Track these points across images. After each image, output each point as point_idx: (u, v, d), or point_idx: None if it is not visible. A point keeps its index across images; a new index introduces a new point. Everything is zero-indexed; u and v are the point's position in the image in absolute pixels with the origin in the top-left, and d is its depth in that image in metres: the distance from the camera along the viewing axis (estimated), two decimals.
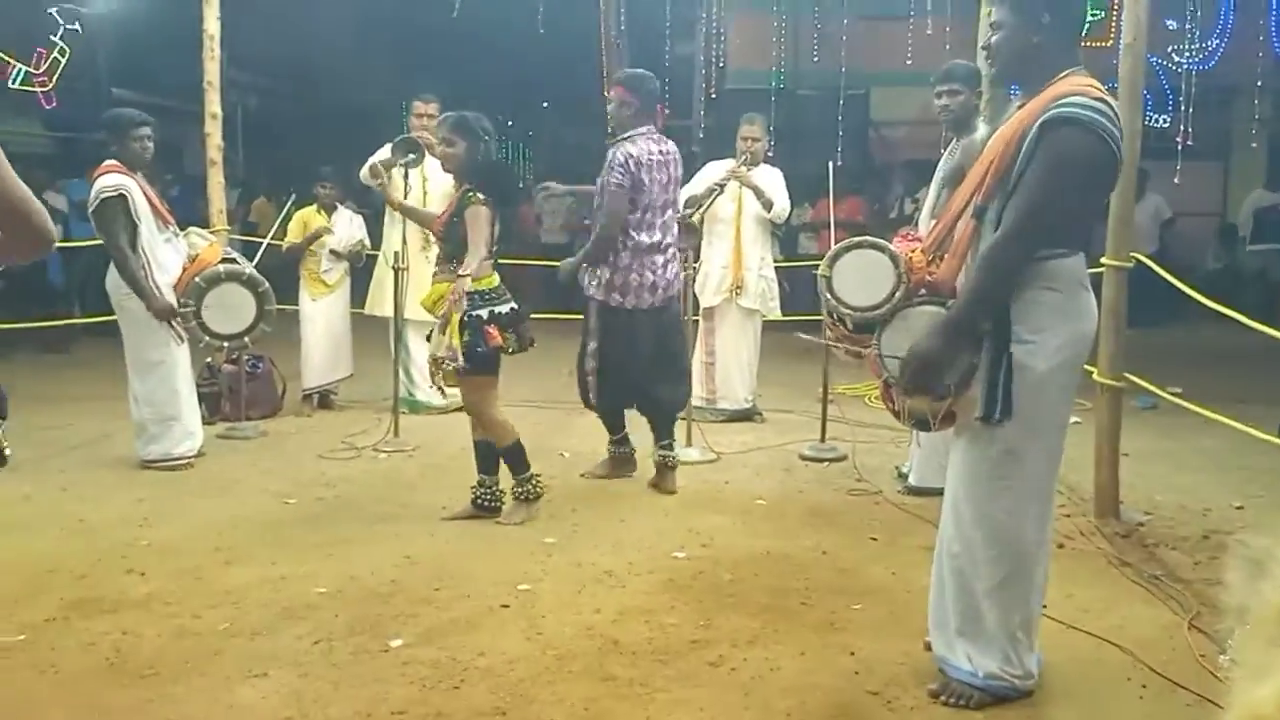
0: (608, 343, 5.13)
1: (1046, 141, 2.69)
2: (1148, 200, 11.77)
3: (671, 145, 5.17)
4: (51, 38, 10.21)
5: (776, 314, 6.94)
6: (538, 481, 4.68)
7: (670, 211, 5.18)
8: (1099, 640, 3.34)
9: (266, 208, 12.80)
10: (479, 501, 4.66)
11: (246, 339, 5.70)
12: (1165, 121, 11.88)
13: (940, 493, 3.11)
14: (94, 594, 3.72)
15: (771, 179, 6.71)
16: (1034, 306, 2.77)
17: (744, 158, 6.62)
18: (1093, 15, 10.99)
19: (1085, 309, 2.86)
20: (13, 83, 10.62)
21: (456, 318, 4.36)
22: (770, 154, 7.10)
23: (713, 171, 6.75)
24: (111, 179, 5.32)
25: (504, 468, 4.67)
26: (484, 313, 4.42)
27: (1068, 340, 2.80)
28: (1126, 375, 4.63)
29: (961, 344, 2.80)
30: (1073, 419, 3.04)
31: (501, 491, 4.69)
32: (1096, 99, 2.70)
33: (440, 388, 4.67)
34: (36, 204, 2.10)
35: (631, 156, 4.96)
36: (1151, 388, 5.06)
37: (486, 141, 4.53)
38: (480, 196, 4.44)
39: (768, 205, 6.62)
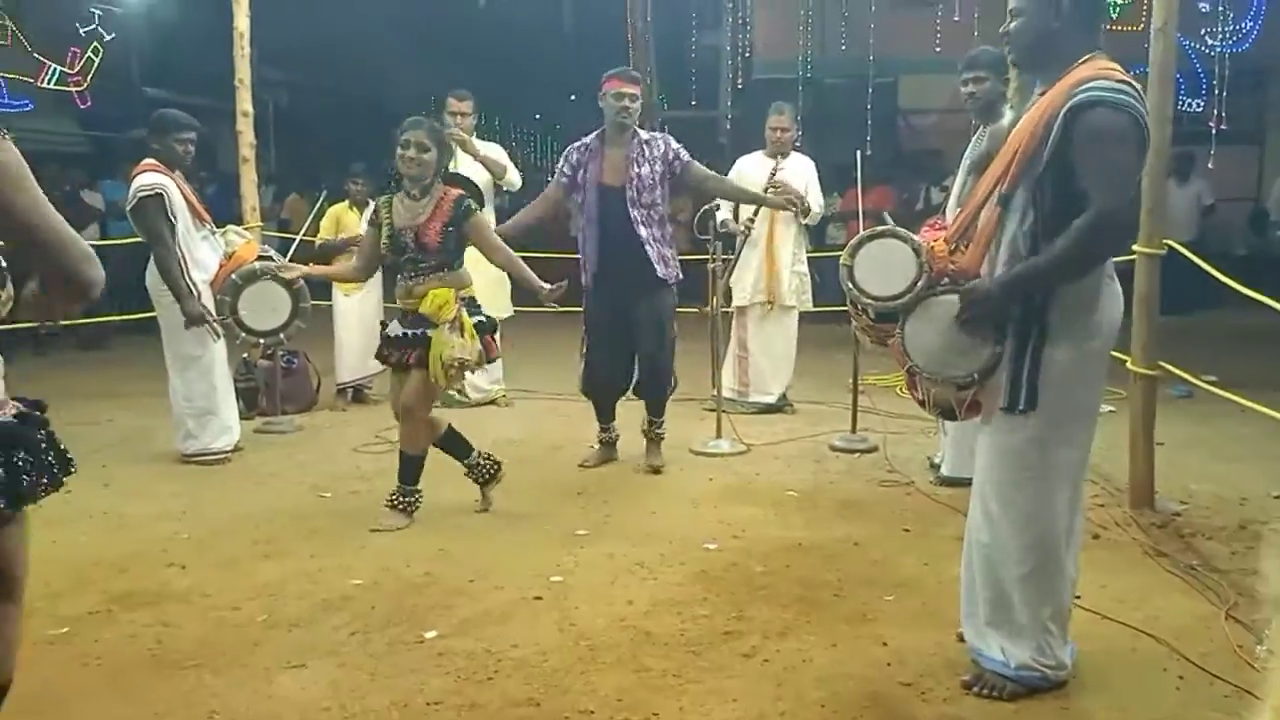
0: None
1: (1081, 123, 2.65)
2: (1190, 185, 11.64)
3: None
4: (85, 31, 10.34)
5: (809, 306, 6.93)
6: (419, 498, 4.60)
7: None
8: (1134, 631, 3.32)
9: (299, 204, 12.91)
10: (480, 478, 4.69)
11: (282, 335, 5.75)
12: (1199, 106, 11.73)
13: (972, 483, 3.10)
14: (136, 587, 3.79)
15: (803, 169, 6.67)
16: (1060, 296, 2.76)
17: (774, 149, 6.62)
18: None
19: (1111, 298, 2.84)
20: (47, 82, 10.76)
21: (470, 320, 4.43)
22: (798, 144, 7.08)
23: (747, 169, 6.71)
24: (149, 177, 5.39)
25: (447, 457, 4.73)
26: (480, 319, 4.53)
27: (1094, 329, 2.79)
28: (1160, 363, 4.59)
29: (1015, 300, 2.77)
30: (1107, 408, 3.04)
31: (489, 454, 4.72)
32: (1120, 81, 2.67)
33: (457, 390, 4.69)
34: (76, 244, 1.89)
35: None
36: (1186, 376, 5.01)
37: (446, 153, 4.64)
38: (475, 205, 4.53)
39: (805, 211, 6.61)
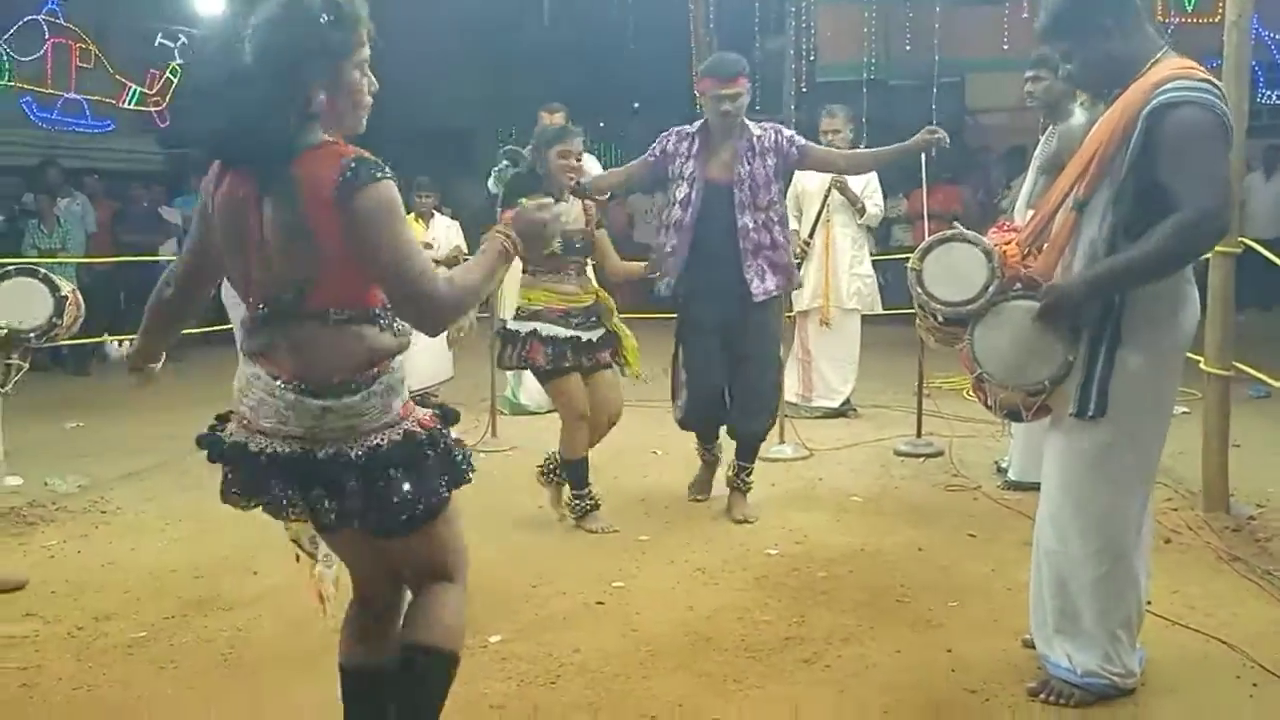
0: None
1: (1169, 124, 2.60)
2: (1277, 179, 11.32)
3: None
4: (168, 52, 10.68)
5: (877, 308, 6.88)
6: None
7: None
8: (1206, 637, 3.25)
9: None
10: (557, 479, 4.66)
11: None
12: (1278, 98, 11.42)
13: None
14: (211, 592, 3.90)
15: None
16: (1137, 298, 2.71)
17: None
18: None
19: (1188, 301, 2.79)
20: (128, 103, 11.16)
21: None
22: (862, 145, 7.03)
23: (811, 178, 6.67)
24: None
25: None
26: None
27: (1168, 333, 2.75)
28: (1235, 364, 4.47)
29: (1097, 298, 2.72)
30: (1180, 409, 2.98)
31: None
32: (1201, 80, 2.63)
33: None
34: (427, 284, 2.07)
35: None
36: (1263, 376, 4.88)
37: None
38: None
39: (861, 211, 6.58)
